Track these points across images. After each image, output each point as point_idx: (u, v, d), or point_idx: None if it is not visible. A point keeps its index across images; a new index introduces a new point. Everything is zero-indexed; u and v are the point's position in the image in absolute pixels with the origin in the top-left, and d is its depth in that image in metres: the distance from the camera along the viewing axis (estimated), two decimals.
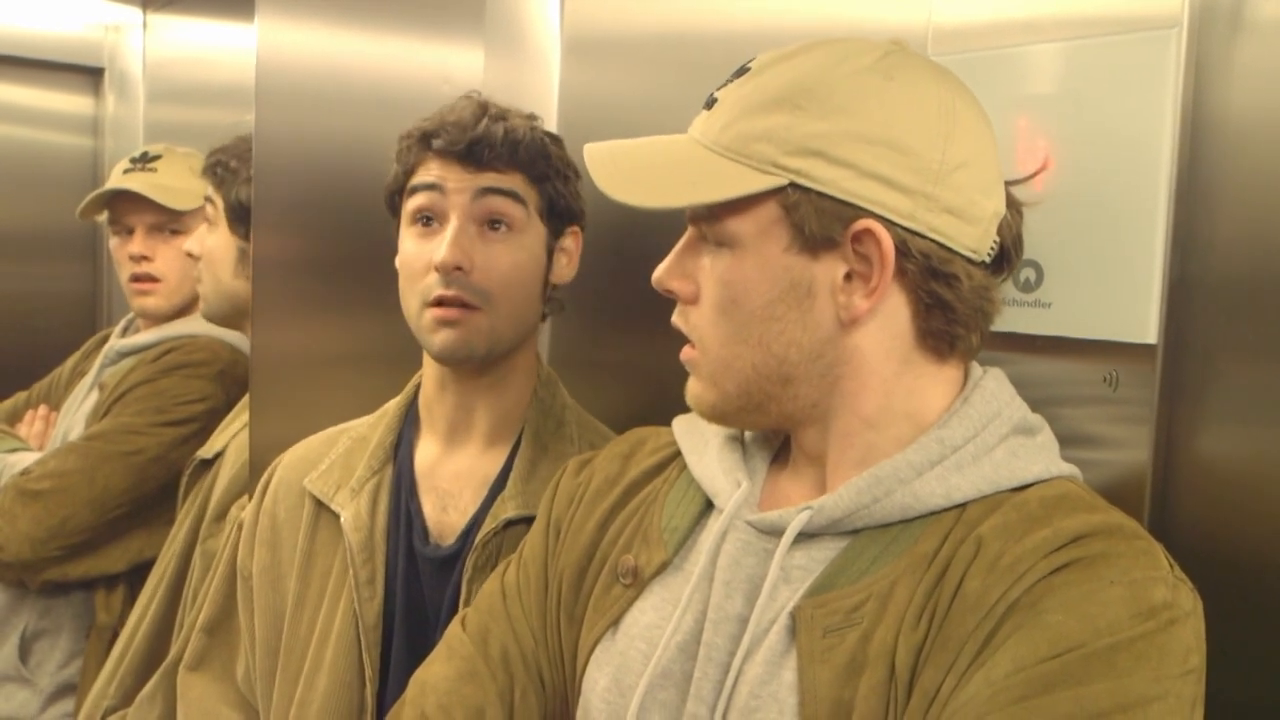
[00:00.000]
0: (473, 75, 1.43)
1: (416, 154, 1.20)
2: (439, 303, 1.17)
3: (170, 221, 2.10)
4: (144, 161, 2.14)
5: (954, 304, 0.85)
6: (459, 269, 1.15)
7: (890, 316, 0.85)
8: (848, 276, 0.84)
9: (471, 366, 1.21)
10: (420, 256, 1.18)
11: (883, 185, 0.82)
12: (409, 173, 1.21)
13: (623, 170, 0.89)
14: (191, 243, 1.92)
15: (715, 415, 0.91)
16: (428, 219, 1.19)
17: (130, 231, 2.13)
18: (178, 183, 2.12)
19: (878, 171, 0.82)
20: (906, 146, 0.82)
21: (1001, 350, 1.01)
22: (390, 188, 1.23)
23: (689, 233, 0.90)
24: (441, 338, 1.17)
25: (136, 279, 2.12)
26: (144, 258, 2.11)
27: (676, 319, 0.91)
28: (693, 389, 0.92)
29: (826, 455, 0.88)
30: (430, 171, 1.18)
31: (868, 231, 0.82)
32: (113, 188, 2.11)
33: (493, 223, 1.18)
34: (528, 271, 1.21)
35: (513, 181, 1.19)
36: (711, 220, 0.86)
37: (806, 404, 0.87)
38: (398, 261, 1.23)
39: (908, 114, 0.83)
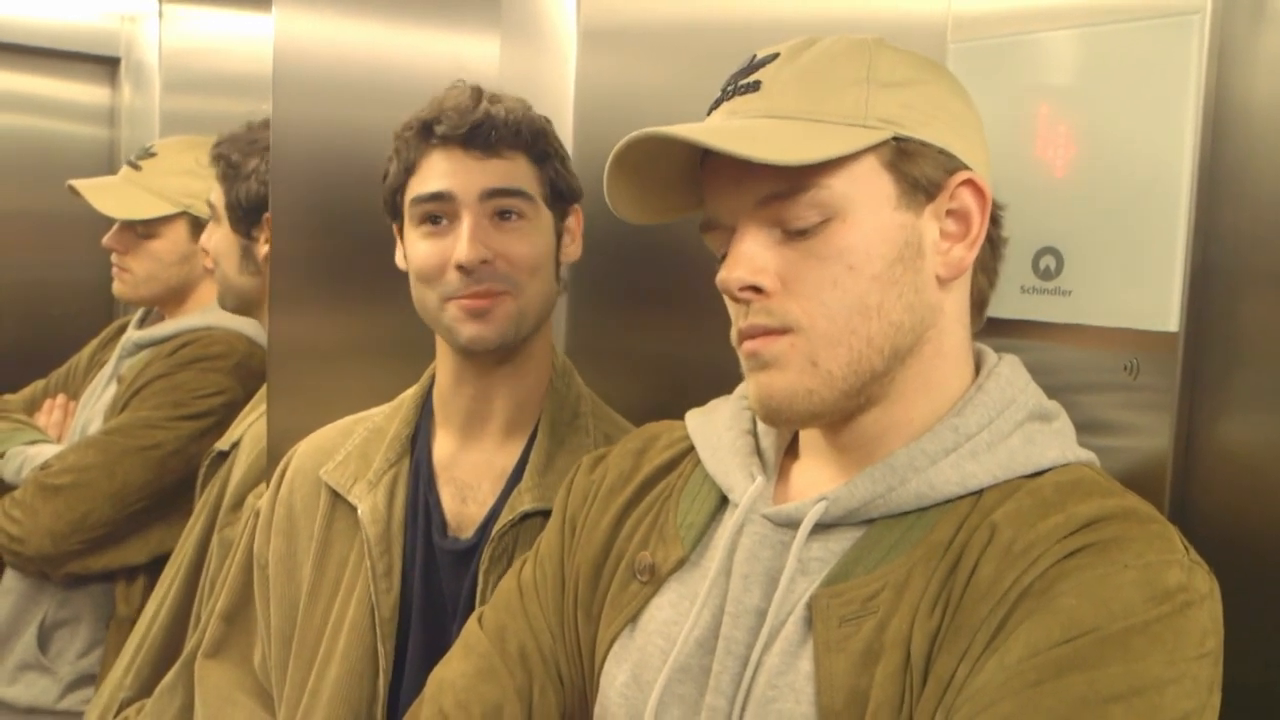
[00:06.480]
0: (489, 65, 1.43)
1: (417, 147, 1.18)
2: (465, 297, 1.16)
3: (139, 223, 2.08)
4: (138, 158, 2.14)
5: (996, 264, 0.87)
6: (484, 263, 1.15)
7: (966, 277, 0.87)
8: (941, 233, 0.84)
9: (492, 355, 1.21)
10: (435, 256, 1.17)
11: (958, 136, 0.84)
12: (410, 169, 1.19)
13: (723, 137, 0.80)
14: (205, 236, 1.92)
15: (811, 407, 0.83)
16: (436, 219, 1.18)
17: (112, 220, 2.13)
18: (162, 183, 2.10)
19: (951, 126, 0.83)
20: (955, 110, 0.84)
21: (1021, 338, 1.01)
22: (391, 185, 1.21)
23: (743, 228, 0.83)
24: (471, 330, 1.17)
25: (114, 262, 2.13)
26: (113, 250, 2.11)
27: (758, 318, 0.82)
28: (782, 383, 0.82)
29: (871, 440, 0.86)
30: (435, 168, 1.17)
31: (969, 181, 0.83)
32: (72, 184, 2.11)
33: (503, 214, 1.18)
34: (544, 255, 1.21)
35: (517, 170, 1.18)
36: (801, 190, 0.80)
37: (887, 382, 0.84)
38: (401, 261, 1.22)
39: (937, 75, 0.86)
